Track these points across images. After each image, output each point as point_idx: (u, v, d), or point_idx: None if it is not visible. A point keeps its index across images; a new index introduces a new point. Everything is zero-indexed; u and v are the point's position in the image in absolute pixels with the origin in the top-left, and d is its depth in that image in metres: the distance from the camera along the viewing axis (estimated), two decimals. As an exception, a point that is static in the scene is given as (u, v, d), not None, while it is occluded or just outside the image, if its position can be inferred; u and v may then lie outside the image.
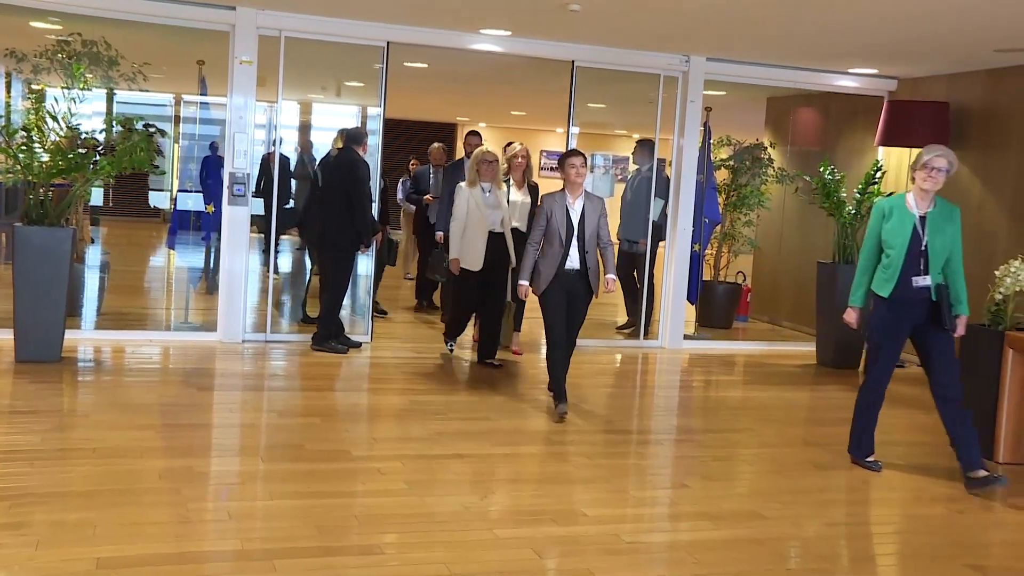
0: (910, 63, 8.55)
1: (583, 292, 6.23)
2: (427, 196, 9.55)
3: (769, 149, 10.53)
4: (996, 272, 5.83)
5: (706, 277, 9.95)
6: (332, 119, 14.06)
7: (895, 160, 9.21)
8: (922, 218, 5.20)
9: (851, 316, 5.53)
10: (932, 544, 4.50)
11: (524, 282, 6.28)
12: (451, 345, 7.99)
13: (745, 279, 11.00)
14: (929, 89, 8.93)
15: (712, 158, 9.55)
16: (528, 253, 6.20)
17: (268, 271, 9.09)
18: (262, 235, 9.33)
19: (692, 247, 9.05)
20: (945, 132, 8.46)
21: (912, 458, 5.84)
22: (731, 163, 10.40)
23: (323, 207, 7.83)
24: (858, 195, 8.66)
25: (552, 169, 13.70)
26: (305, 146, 10.67)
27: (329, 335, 7.79)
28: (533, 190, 7.66)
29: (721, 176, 10.29)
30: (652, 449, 5.88)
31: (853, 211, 8.62)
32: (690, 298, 9.20)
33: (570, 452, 5.53)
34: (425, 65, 10.48)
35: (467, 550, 3.93)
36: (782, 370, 8.48)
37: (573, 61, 8.60)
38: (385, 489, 4.64)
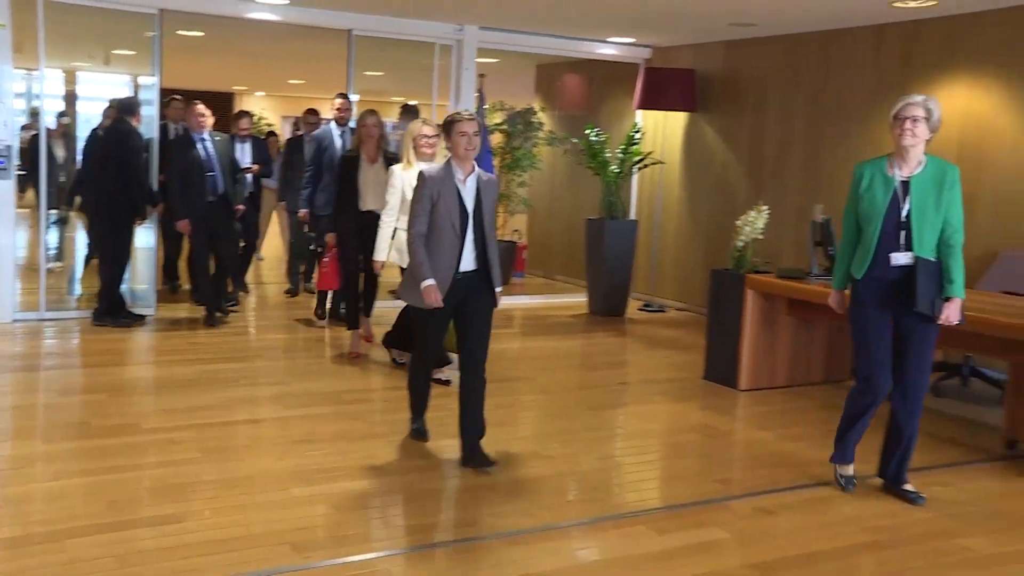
0: (660, 33, 9.04)
1: (483, 298, 4.61)
2: (253, 166, 8.68)
3: (539, 113, 10.86)
4: (737, 222, 6.33)
5: (485, 236, 10.16)
6: (101, 88, 13.20)
7: (652, 122, 9.74)
8: (904, 182, 4.21)
9: (833, 300, 4.60)
10: (688, 466, 4.92)
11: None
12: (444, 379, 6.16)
13: (520, 236, 11.35)
14: (678, 57, 9.49)
15: (487, 123, 9.74)
16: (417, 247, 4.49)
17: (39, 247, 8.51)
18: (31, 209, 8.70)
19: (471, 208, 9.23)
20: (692, 97, 9.04)
21: (671, 394, 6.29)
22: (505, 127, 10.66)
23: (96, 179, 7.40)
24: (621, 155, 9.12)
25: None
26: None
27: (110, 309, 7.42)
28: (391, 162, 6.26)
29: (496, 140, 10.53)
30: (441, 401, 6.00)
31: (617, 170, 9.08)
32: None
33: (364, 410, 5.58)
34: (201, 33, 10.04)
35: (265, 511, 3.93)
36: (557, 321, 8.86)
37: (350, 30, 8.52)
38: (179, 459, 4.54)
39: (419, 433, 5.04)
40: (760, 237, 6.30)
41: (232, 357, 6.77)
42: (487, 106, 9.84)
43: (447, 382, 6.03)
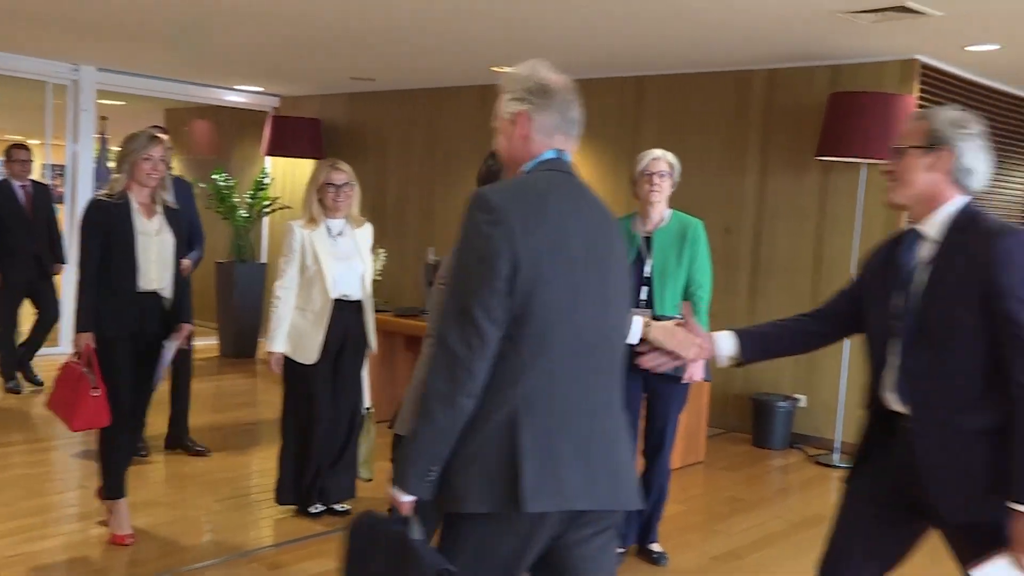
0: (288, 83, 8.99)
1: None
2: None
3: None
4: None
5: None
6: None
7: (280, 169, 9.63)
8: (647, 238, 3.96)
9: None
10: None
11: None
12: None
13: (154, 280, 10.66)
14: (305, 106, 9.49)
15: (111, 166, 9.07)
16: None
17: None
18: None
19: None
20: (319, 144, 9.08)
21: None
22: (132, 170, 10.00)
23: None
24: (249, 200, 8.91)
25: None
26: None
27: None
28: (174, 216, 4.13)
29: (122, 183, 9.85)
30: (50, 456, 5.45)
31: (246, 214, 8.85)
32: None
33: None
34: None
35: None
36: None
37: (-58, 62, 7.57)
38: None
39: None
40: (379, 278, 6.42)
41: None
42: (112, 149, 9.18)
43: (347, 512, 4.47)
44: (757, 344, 2.56)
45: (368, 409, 4.45)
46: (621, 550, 4.07)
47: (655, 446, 4.03)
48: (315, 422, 4.30)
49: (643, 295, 3.90)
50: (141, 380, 3.97)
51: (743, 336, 2.56)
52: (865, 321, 2.42)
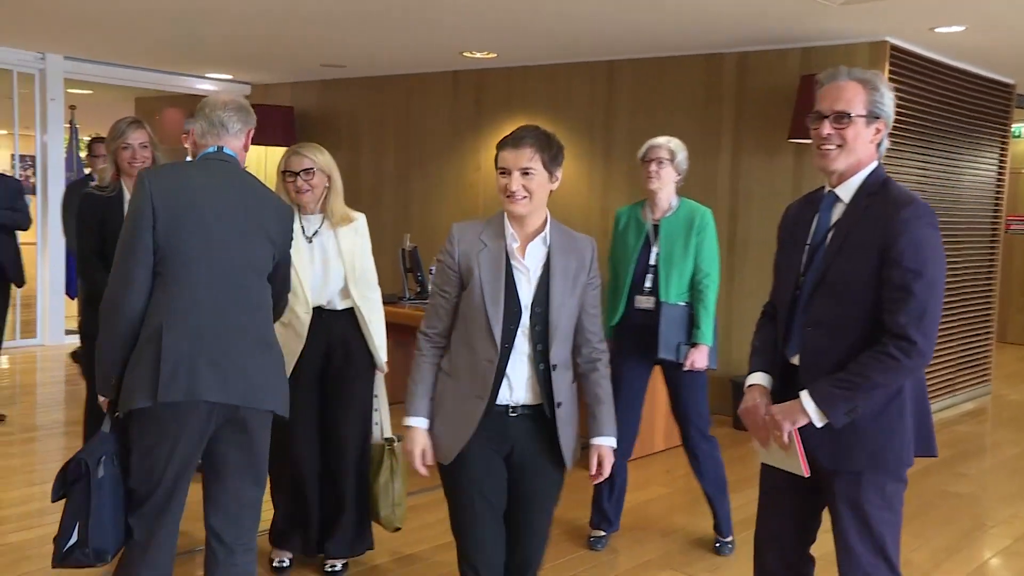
0: (259, 71, 8.86)
1: (541, 461, 2.57)
2: None
3: (140, 146, 10.16)
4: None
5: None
6: None
7: (253, 157, 9.51)
8: (655, 226, 3.91)
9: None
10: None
11: (419, 422, 2.61)
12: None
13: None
14: (277, 94, 9.37)
15: (83, 156, 8.92)
16: (419, 363, 2.63)
17: None
18: None
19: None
20: (291, 132, 8.97)
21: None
22: (103, 160, 9.83)
23: None
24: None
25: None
26: None
27: None
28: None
29: (93, 173, 9.69)
30: (37, 446, 5.37)
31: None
32: (69, 292, 8.53)
33: None
34: None
35: None
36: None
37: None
38: None
39: None
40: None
41: None
42: (84, 138, 9.02)
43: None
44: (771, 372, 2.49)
45: (390, 440, 3.65)
46: (602, 534, 4.09)
47: (683, 434, 4.03)
48: (293, 458, 3.53)
49: (648, 283, 3.87)
50: None
51: (770, 371, 2.48)
52: (777, 279, 2.50)
